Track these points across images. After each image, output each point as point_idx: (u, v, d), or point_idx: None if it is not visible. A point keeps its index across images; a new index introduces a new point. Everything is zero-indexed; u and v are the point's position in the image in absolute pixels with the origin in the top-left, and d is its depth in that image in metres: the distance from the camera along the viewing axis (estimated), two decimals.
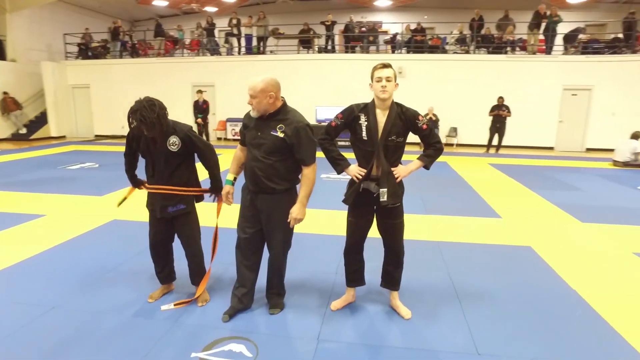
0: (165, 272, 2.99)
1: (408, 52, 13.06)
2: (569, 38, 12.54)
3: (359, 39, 13.06)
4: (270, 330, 2.60)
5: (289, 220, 2.58)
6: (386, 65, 2.55)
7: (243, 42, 13.55)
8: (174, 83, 13.54)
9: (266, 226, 2.64)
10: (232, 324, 2.66)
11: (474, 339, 2.53)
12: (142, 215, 4.99)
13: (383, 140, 2.55)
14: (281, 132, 2.49)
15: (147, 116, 2.47)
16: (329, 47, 13.45)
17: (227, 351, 2.37)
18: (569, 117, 12.27)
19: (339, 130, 2.67)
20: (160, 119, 2.55)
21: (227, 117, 13.26)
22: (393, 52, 13.55)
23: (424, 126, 2.58)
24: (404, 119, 2.57)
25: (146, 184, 2.84)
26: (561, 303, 3.03)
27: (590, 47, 12.39)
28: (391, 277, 2.85)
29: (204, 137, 10.89)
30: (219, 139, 13.42)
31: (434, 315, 2.80)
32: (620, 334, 2.62)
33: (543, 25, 12.12)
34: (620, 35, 12.67)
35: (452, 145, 12.52)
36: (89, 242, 4.10)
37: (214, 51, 13.94)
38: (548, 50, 12.25)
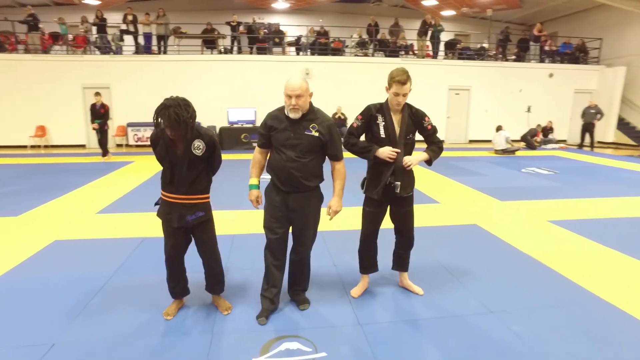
0: (180, 286, 2.82)
1: (312, 54, 13.57)
2: (449, 45, 14.45)
3: (265, 41, 13.13)
4: (312, 324, 2.68)
5: (328, 214, 2.70)
6: (403, 82, 2.68)
7: (141, 40, 12.52)
8: (58, 84, 11.88)
9: (298, 224, 2.70)
10: (271, 325, 2.67)
11: (482, 302, 2.97)
12: (85, 232, 4.47)
13: (402, 139, 2.81)
14: (315, 131, 2.59)
15: (181, 114, 2.34)
16: (236, 48, 13.24)
17: (285, 350, 2.40)
18: (455, 114, 14.16)
19: (361, 131, 2.86)
20: (193, 121, 2.43)
21: (128, 122, 12.15)
22: (298, 53, 13.94)
23: (429, 127, 2.89)
24: (414, 119, 2.87)
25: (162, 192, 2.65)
26: (523, 263, 3.70)
27: (465, 54, 14.47)
28: (402, 260, 3.15)
29: (102, 146, 9.82)
30: (120, 145, 12.21)
31: (441, 289, 3.18)
32: (564, 276, 3.40)
33: (430, 32, 13.72)
34: (486, 45, 15.05)
35: None
36: (42, 269, 3.54)
37: (105, 49, 12.60)
38: (434, 55, 13.93)
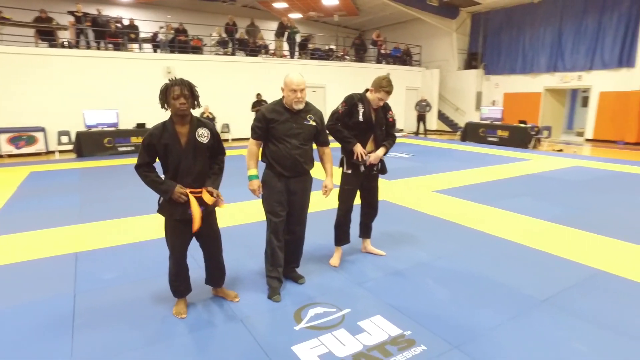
0: (185, 283, 2.79)
1: (172, 51, 12.93)
2: (301, 45, 15.56)
3: (118, 35, 11.92)
4: (319, 292, 3.01)
5: (323, 193, 3.05)
6: (390, 93, 3.24)
7: None
8: None
9: (298, 205, 2.99)
10: (286, 300, 2.90)
11: (429, 252, 3.78)
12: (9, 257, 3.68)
13: (377, 127, 3.35)
14: (312, 121, 2.93)
15: (187, 82, 2.52)
16: (84, 42, 11.64)
17: (314, 315, 2.71)
18: None
19: (345, 116, 3.28)
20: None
21: None
22: (155, 51, 13.07)
23: (390, 119, 3.49)
24: (384, 110, 3.43)
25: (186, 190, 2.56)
26: (435, 222, 4.71)
27: (316, 54, 15.81)
28: (368, 228, 3.72)
29: None
30: None
31: (394, 249, 3.86)
32: (466, 226, 4.48)
33: (286, 34, 14.54)
34: (334, 47, 16.72)
35: (226, 140, 13.41)
36: None
37: None
38: (291, 55, 14.84)
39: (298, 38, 15.80)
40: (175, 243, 2.65)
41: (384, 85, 3.21)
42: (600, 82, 12.97)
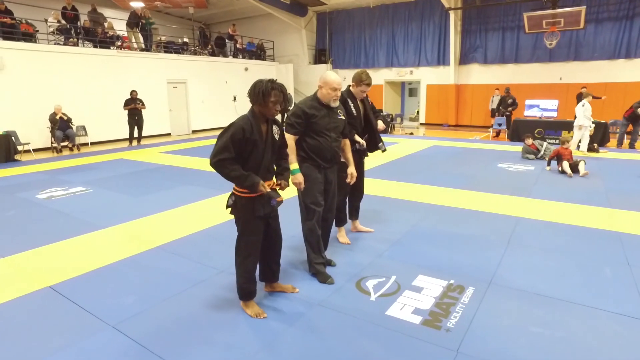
0: (255, 284, 2.81)
1: None
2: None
3: None
4: (357, 269, 3.39)
5: (347, 180, 3.39)
6: (370, 85, 3.70)
7: None
8: None
9: (332, 193, 3.28)
10: (339, 280, 3.19)
11: (403, 224, 4.49)
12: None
13: (365, 117, 3.82)
14: (342, 115, 3.24)
15: (284, 88, 2.58)
16: None
17: (374, 286, 3.10)
18: (175, 106, 14.49)
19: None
20: None
21: None
22: None
23: (371, 103, 4.02)
24: (368, 104, 3.91)
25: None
26: (382, 200, 5.46)
27: (171, 48, 14.84)
28: (357, 210, 4.20)
29: None
30: None
31: (376, 226, 4.43)
32: (401, 199, 5.40)
33: (140, 25, 13.23)
34: (187, 40, 15.93)
35: (86, 144, 11.64)
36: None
37: None
38: (148, 48, 13.60)
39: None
40: (255, 241, 2.68)
41: (364, 79, 3.67)
42: (427, 76, 16.01)
